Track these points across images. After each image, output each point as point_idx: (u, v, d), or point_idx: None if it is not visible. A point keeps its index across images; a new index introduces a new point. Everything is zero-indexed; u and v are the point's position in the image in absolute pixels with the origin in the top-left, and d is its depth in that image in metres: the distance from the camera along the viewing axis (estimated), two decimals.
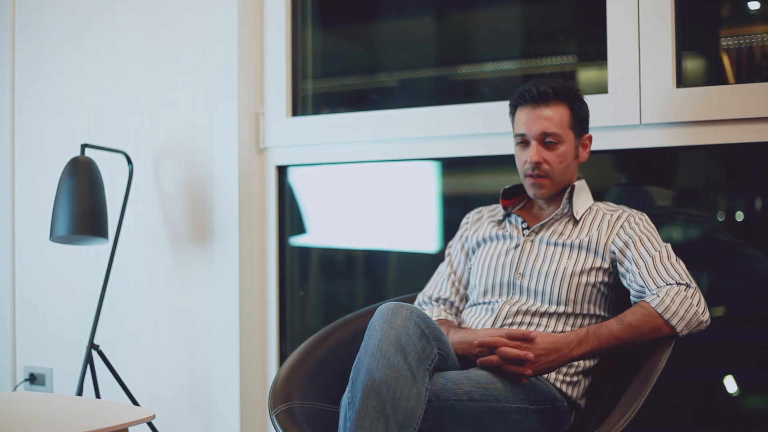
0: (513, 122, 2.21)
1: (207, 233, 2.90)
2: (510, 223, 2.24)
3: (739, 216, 2.44)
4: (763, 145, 2.28)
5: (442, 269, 2.34)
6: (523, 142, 2.17)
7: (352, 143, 2.83)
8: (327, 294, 3.05)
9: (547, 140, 2.13)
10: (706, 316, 1.95)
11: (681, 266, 2.01)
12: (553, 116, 2.12)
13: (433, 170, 2.83)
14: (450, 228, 2.66)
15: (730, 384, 2.45)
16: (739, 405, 2.46)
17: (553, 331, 2.07)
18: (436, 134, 2.68)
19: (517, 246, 2.18)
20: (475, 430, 1.87)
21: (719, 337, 2.34)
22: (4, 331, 3.29)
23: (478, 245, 2.27)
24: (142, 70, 3.03)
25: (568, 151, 2.15)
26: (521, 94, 2.17)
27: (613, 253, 2.09)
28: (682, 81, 2.39)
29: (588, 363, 2.09)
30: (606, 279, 2.10)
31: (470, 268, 2.27)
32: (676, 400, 2.42)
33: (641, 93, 2.39)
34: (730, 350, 2.41)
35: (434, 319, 2.18)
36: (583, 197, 2.20)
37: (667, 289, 1.95)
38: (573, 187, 2.18)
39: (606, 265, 2.09)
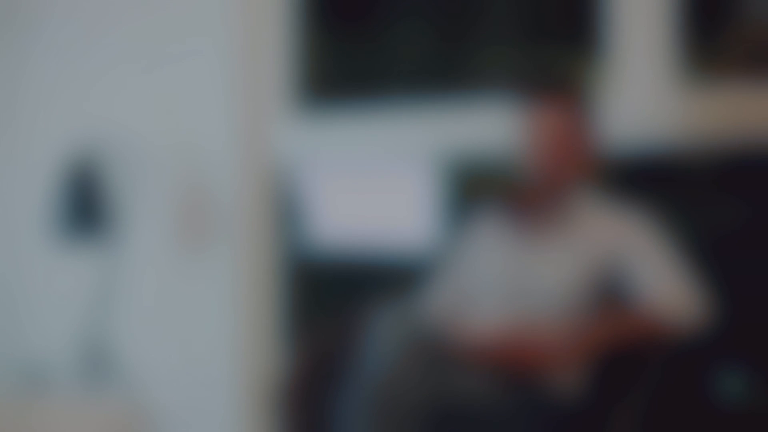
0: (517, 119, 2.19)
1: (206, 233, 2.91)
2: (510, 225, 2.23)
3: (740, 216, 2.44)
4: (763, 146, 2.28)
5: (444, 271, 2.34)
6: (530, 140, 2.14)
7: (352, 143, 2.83)
8: (327, 294, 3.05)
9: (555, 140, 2.11)
10: (707, 317, 1.96)
11: (682, 267, 2.01)
12: (562, 116, 2.11)
13: (434, 170, 2.82)
14: (450, 229, 2.65)
15: (731, 384, 2.45)
16: (740, 405, 2.46)
17: (553, 333, 2.07)
18: (436, 133, 2.68)
19: (517, 249, 2.17)
20: (475, 430, 1.87)
21: (719, 337, 2.33)
22: (4, 331, 3.28)
23: (479, 247, 2.26)
24: (141, 69, 3.03)
25: (574, 152, 2.14)
26: (526, 89, 2.14)
27: (615, 255, 2.08)
28: (682, 80, 2.38)
29: (589, 363, 2.09)
30: (608, 282, 2.10)
31: (471, 271, 2.26)
32: (676, 401, 2.41)
33: (641, 93, 2.38)
34: (730, 350, 2.41)
35: (435, 320, 2.18)
36: (584, 199, 2.19)
37: (669, 290, 1.96)
38: (575, 189, 2.18)
39: (607, 268, 2.09)
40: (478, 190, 2.81)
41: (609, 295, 2.12)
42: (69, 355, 3.12)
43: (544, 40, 2.73)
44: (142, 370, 3.01)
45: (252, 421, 2.88)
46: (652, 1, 2.38)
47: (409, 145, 2.75)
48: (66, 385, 3.14)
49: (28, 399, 2.18)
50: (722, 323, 2.26)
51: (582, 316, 2.08)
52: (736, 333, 2.40)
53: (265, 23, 2.94)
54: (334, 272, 3.05)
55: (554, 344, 1.96)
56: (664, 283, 1.99)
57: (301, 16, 2.96)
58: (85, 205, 2.68)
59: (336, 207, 3.00)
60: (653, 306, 1.95)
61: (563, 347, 1.95)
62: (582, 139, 2.15)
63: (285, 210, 2.96)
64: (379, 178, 2.92)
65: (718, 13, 2.52)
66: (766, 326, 2.39)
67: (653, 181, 2.50)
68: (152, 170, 3.00)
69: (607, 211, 2.17)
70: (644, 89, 2.38)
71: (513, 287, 2.13)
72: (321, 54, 3.02)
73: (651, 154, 2.45)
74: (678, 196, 2.49)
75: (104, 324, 3.01)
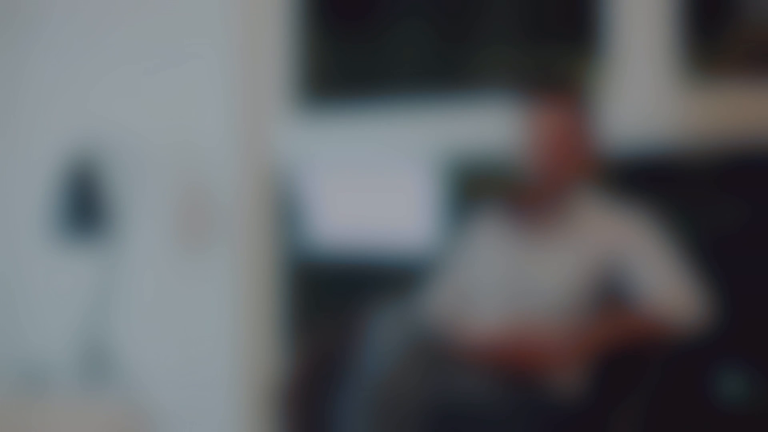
0: (517, 119, 2.19)
1: (206, 233, 2.91)
2: (511, 225, 2.23)
3: (740, 216, 2.44)
4: (763, 146, 2.28)
5: (444, 271, 2.34)
6: (530, 140, 2.14)
7: (353, 143, 2.83)
8: (327, 294, 3.05)
9: (555, 140, 2.11)
10: (708, 317, 1.96)
11: (682, 267, 2.01)
12: (563, 116, 2.11)
13: (434, 170, 2.82)
14: (451, 229, 2.65)
15: (731, 384, 2.45)
16: (740, 405, 2.46)
17: (554, 334, 2.07)
18: (437, 133, 2.68)
19: (518, 249, 2.17)
20: (475, 430, 1.87)
21: (719, 337, 2.33)
22: (4, 331, 3.28)
23: (479, 247, 2.26)
24: (141, 69, 3.03)
25: (575, 152, 2.14)
26: (527, 89, 2.15)
27: (616, 255, 2.08)
28: (682, 80, 2.38)
29: (589, 363, 2.09)
30: (608, 282, 2.10)
31: (471, 271, 2.26)
32: (676, 401, 2.41)
33: (641, 92, 2.38)
34: (729, 350, 2.41)
35: (435, 321, 2.18)
36: (585, 199, 2.19)
37: (669, 290, 1.96)
38: (575, 189, 2.17)
39: (608, 268, 2.09)
40: (478, 190, 2.81)
41: (610, 296, 2.11)
42: (69, 355, 3.12)
43: (544, 40, 2.73)
44: (142, 370, 3.00)
45: (252, 421, 2.88)
46: (653, 1, 2.38)
47: (409, 145, 2.75)
48: (66, 385, 3.14)
49: (28, 399, 2.18)
50: (723, 323, 2.26)
51: (582, 317, 2.08)
52: (737, 333, 2.40)
53: (265, 23, 2.94)
54: (334, 272, 3.05)
55: (555, 345, 1.96)
56: (665, 283, 1.99)
57: (301, 16, 2.96)
58: (85, 205, 2.69)
59: (336, 207, 2.99)
60: (654, 306, 1.95)
61: (564, 348, 1.96)
62: (582, 139, 2.15)
63: (285, 210, 2.96)
64: (379, 178, 2.92)
65: (718, 13, 2.52)
66: (766, 326, 2.39)
67: (653, 181, 2.50)
68: (152, 170, 3.00)
69: (607, 211, 2.17)
70: (644, 89, 2.38)
71: (513, 287, 2.13)
72: (321, 54, 3.02)
73: (651, 154, 2.45)
74: (678, 196, 2.49)
75: (104, 324, 3.01)
